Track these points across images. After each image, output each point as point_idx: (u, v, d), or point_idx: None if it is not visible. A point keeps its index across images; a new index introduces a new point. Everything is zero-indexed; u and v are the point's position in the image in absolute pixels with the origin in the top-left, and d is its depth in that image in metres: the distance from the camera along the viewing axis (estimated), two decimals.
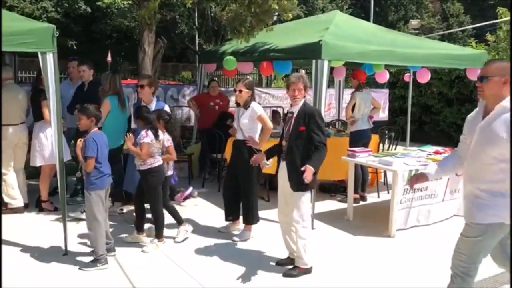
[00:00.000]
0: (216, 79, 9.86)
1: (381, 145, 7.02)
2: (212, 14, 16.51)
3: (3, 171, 5.32)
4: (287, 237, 4.24)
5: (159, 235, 4.57)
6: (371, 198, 6.63)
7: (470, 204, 2.85)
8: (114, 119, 5.06)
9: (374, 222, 5.51)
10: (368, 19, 17.65)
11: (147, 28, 5.97)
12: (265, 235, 4.99)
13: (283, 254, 4.34)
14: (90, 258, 4.11)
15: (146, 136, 4.36)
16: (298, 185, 3.96)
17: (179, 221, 4.79)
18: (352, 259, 4.47)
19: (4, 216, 5.26)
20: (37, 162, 5.45)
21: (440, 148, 5.64)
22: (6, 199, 5.40)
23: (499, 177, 2.72)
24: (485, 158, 2.76)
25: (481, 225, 2.76)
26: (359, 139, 6.44)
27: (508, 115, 2.66)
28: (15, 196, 5.43)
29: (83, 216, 4.81)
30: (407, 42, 6.66)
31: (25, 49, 4.11)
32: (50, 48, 4.13)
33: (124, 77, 11.59)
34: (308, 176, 3.74)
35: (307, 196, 4.07)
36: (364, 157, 5.62)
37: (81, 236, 4.73)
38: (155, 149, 4.43)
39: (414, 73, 7.84)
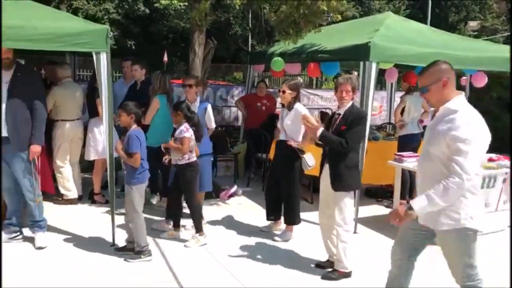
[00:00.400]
0: (264, 80, 9.93)
1: None
2: (265, 16, 16.63)
3: (60, 164, 5.64)
4: (328, 239, 4.23)
5: (199, 228, 4.67)
6: None
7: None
8: (162, 117, 5.23)
9: None
10: (425, 21, 17.09)
11: (198, 30, 6.09)
12: (306, 236, 4.98)
13: (323, 256, 4.32)
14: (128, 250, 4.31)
15: (187, 131, 4.48)
16: (339, 185, 3.96)
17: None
18: None
19: (59, 206, 5.61)
20: (91, 156, 5.73)
21: (493, 155, 5.37)
22: (62, 190, 5.72)
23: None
24: (430, 159, 2.79)
25: (449, 230, 2.77)
26: (408, 144, 6.27)
27: (452, 116, 2.68)
28: (70, 188, 5.73)
29: None
30: (461, 44, 6.41)
31: (80, 49, 4.35)
32: (104, 48, 4.33)
33: (178, 77, 11.89)
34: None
35: (349, 199, 4.04)
36: (412, 162, 5.47)
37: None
38: (192, 143, 4.54)
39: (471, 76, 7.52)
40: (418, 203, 2.69)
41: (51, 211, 5.19)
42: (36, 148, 4.33)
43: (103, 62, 4.34)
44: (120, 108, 4.25)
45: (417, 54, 5.41)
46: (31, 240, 4.49)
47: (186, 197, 4.69)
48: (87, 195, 5.96)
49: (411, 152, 5.82)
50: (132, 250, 4.25)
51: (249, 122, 7.58)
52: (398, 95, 8.36)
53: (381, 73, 5.89)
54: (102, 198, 5.83)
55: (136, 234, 4.18)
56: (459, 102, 2.74)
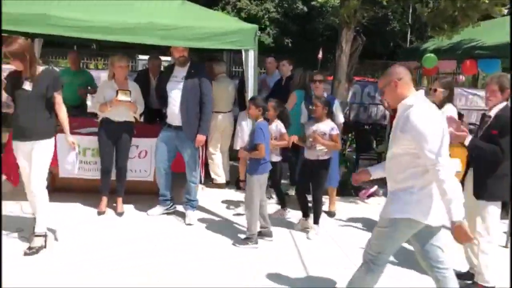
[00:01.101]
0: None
1: None
2: (417, 11, 15.71)
3: (212, 151, 6.21)
4: (469, 249, 3.94)
5: (318, 221, 4.81)
6: None
7: (387, 199, 3.04)
8: (298, 112, 5.42)
9: None
10: None
11: (346, 26, 6.11)
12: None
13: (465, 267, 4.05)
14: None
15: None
16: (482, 193, 3.67)
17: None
18: None
19: (209, 189, 6.18)
20: (238, 146, 6.18)
21: None
22: (212, 175, 6.30)
23: (406, 175, 2.85)
24: (392, 155, 2.95)
25: (386, 219, 2.93)
26: None
27: (409, 110, 2.78)
28: (219, 173, 6.29)
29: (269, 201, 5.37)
30: None
31: (232, 46, 4.76)
32: (252, 46, 4.67)
33: (331, 74, 11.98)
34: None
35: (494, 207, 3.70)
36: None
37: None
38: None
39: None
40: (458, 211, 2.64)
41: (202, 192, 5.77)
42: (201, 138, 4.89)
43: (250, 59, 4.69)
44: (250, 101, 4.50)
45: None
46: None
47: (316, 191, 4.81)
48: (234, 182, 6.45)
49: None
50: (266, 234, 4.56)
51: None
52: None
53: None
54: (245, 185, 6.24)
55: (250, 222, 4.41)
56: (414, 98, 2.87)
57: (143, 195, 5.37)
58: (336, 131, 4.68)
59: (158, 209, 5.09)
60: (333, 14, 17.02)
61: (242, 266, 4.00)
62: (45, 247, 3.97)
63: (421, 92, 2.95)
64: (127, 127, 4.92)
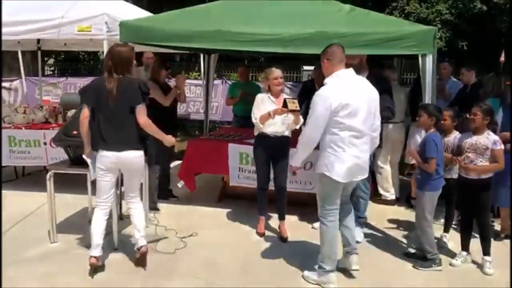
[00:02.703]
0: None
1: None
2: None
3: (380, 164, 5.83)
4: None
5: (488, 251, 4.05)
6: None
7: None
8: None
9: None
10: None
11: None
12: None
13: None
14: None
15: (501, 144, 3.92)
16: None
17: None
18: None
19: (375, 205, 5.80)
20: (411, 159, 5.70)
21: None
22: (380, 190, 5.91)
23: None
24: None
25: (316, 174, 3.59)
26: None
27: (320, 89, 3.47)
28: (388, 189, 5.88)
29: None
30: None
31: (407, 52, 4.38)
32: (430, 50, 4.23)
33: None
34: None
35: None
36: None
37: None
38: None
39: None
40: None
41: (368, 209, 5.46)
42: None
43: (428, 64, 4.26)
44: (421, 107, 4.08)
45: None
46: None
47: (483, 217, 4.08)
48: (404, 198, 5.96)
49: None
50: (421, 258, 4.07)
51: None
52: None
53: None
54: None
55: (424, 241, 3.99)
56: (332, 76, 3.43)
57: (306, 206, 5.23)
58: (500, 146, 3.87)
59: None
60: None
61: None
62: None
63: (343, 71, 3.46)
64: (286, 141, 4.62)
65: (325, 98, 3.33)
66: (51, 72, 18.43)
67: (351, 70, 3.48)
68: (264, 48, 4.55)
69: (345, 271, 3.84)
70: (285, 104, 4.23)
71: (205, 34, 4.68)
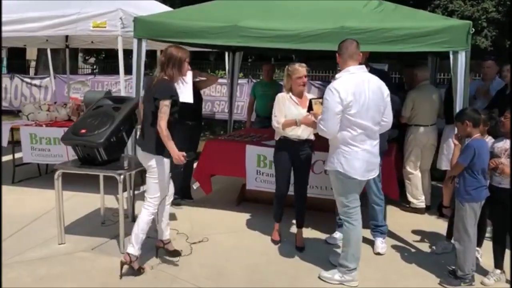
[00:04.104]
0: None
1: None
2: None
3: (409, 170, 5.44)
4: None
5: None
6: None
7: None
8: None
9: None
10: None
11: None
12: None
13: None
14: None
15: None
16: None
17: None
18: None
19: (404, 214, 5.44)
20: (443, 165, 5.32)
21: None
22: (409, 197, 5.52)
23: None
24: None
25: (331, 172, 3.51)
26: None
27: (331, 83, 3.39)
28: (417, 196, 5.48)
29: None
30: None
31: (438, 48, 4.04)
32: (463, 47, 3.86)
33: None
34: None
35: None
36: None
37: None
38: None
39: None
40: None
41: (394, 218, 5.09)
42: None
43: (460, 62, 3.88)
44: (455, 118, 3.73)
45: None
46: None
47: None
48: (436, 206, 5.54)
49: None
50: (452, 273, 3.71)
51: None
52: None
53: None
54: (448, 211, 5.28)
55: (460, 257, 3.60)
56: (343, 72, 3.37)
57: (325, 212, 4.94)
58: None
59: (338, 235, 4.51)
60: None
61: None
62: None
63: (353, 67, 3.36)
64: (310, 145, 4.26)
65: (335, 91, 3.29)
66: (90, 71, 18.81)
67: (362, 66, 3.39)
68: (281, 44, 4.30)
69: None
70: (310, 106, 3.81)
71: (221, 29, 4.48)
